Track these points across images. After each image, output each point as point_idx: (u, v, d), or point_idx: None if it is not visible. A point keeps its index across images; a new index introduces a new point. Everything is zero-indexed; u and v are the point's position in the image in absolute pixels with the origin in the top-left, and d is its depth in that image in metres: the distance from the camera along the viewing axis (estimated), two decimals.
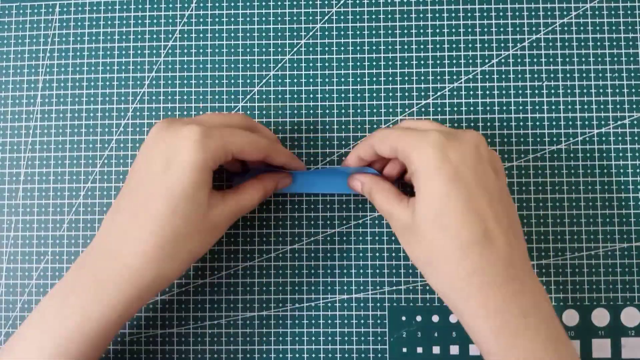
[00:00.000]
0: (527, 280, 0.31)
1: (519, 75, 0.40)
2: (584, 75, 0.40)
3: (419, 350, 0.39)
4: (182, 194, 0.30)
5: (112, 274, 0.31)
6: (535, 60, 0.40)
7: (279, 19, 0.41)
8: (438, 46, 0.41)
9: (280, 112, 0.41)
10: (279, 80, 0.41)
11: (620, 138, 0.40)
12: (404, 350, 0.39)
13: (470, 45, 0.41)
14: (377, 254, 0.39)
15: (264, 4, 0.41)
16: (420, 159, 0.31)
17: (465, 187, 0.30)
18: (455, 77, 0.40)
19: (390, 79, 0.41)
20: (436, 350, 0.39)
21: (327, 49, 0.41)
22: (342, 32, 0.41)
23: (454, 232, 0.30)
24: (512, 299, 0.30)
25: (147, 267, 0.31)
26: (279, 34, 0.41)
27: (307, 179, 0.39)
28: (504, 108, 0.40)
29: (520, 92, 0.40)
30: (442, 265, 0.31)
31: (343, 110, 0.40)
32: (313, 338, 0.39)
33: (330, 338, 0.39)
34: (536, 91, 0.40)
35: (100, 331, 0.31)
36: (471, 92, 0.40)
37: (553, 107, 0.40)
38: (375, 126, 0.40)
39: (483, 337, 0.30)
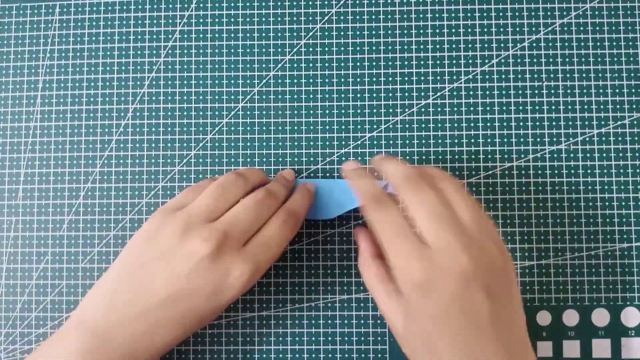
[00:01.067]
0: None
1: (519, 75, 0.40)
2: (584, 75, 0.40)
3: None
4: (212, 312, 0.32)
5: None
6: (535, 60, 0.40)
7: (279, 19, 0.41)
8: (438, 46, 0.41)
9: (280, 112, 0.41)
10: (279, 80, 0.41)
11: (620, 138, 0.40)
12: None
13: (470, 45, 0.41)
14: None
15: (264, 4, 0.41)
16: (406, 285, 0.30)
17: (450, 323, 0.28)
18: (455, 77, 0.40)
19: (390, 79, 0.41)
20: None
21: (327, 49, 0.41)
22: (342, 33, 0.41)
23: (445, 356, 0.28)
24: None
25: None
26: (279, 34, 0.41)
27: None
28: (504, 108, 0.40)
29: (520, 92, 0.40)
30: None
31: (343, 110, 0.40)
32: (313, 338, 0.39)
33: (330, 338, 0.39)
34: (536, 91, 0.40)
35: None
36: (471, 92, 0.40)
37: (553, 107, 0.40)
38: (375, 126, 0.40)
39: None
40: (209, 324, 0.39)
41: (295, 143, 0.40)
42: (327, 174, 0.40)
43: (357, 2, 0.41)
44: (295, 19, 0.41)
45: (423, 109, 0.40)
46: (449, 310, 0.28)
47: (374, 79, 0.41)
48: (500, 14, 0.41)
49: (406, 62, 0.41)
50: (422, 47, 0.41)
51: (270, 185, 0.35)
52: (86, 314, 0.31)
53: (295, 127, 0.40)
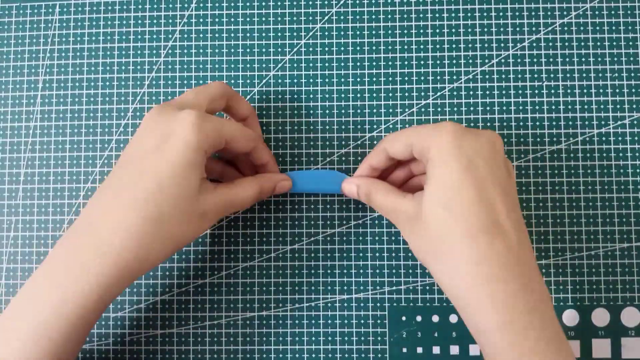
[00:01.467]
0: (533, 278, 0.30)
1: (519, 75, 0.40)
2: (584, 75, 0.40)
3: (419, 350, 0.39)
4: (172, 172, 0.30)
5: (92, 252, 0.30)
6: (535, 60, 0.40)
7: (279, 19, 0.41)
8: (438, 46, 0.41)
9: (280, 112, 0.41)
10: (279, 80, 0.41)
11: (620, 138, 0.40)
12: (404, 350, 0.39)
13: (470, 45, 0.41)
14: (377, 254, 0.39)
15: (264, 4, 0.41)
16: (436, 146, 0.31)
17: (478, 177, 0.30)
18: (455, 77, 0.40)
19: (390, 79, 0.41)
20: (436, 350, 0.39)
21: (327, 49, 0.41)
22: (342, 32, 0.41)
23: (463, 219, 0.30)
24: (518, 295, 0.29)
25: (128, 246, 0.30)
26: (279, 34, 0.41)
27: (303, 179, 0.38)
28: (504, 108, 0.40)
29: (520, 92, 0.40)
30: (448, 253, 0.30)
31: (343, 110, 0.40)
32: (313, 338, 0.39)
33: (330, 338, 0.39)
34: (536, 91, 0.40)
35: (80, 314, 0.30)
36: (471, 92, 0.40)
37: (553, 107, 0.40)
38: (375, 126, 0.40)
39: (486, 333, 0.30)
40: (209, 324, 0.39)
41: (295, 143, 0.40)
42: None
43: (357, 2, 0.41)
44: (295, 18, 0.41)
45: (423, 109, 0.40)
46: (478, 165, 0.30)
47: (374, 79, 0.41)
48: (500, 13, 0.41)
49: (406, 62, 0.41)
50: (422, 47, 0.41)
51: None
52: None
53: (295, 127, 0.40)
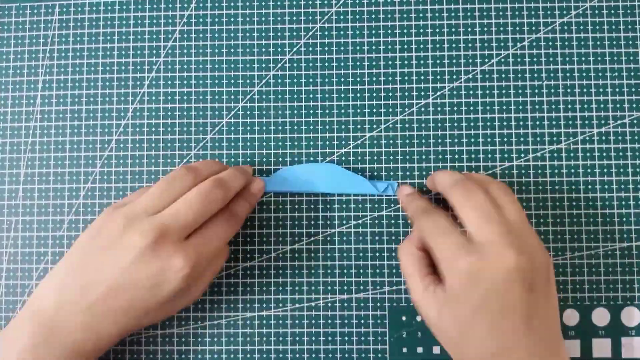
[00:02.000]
0: None
1: (519, 75, 0.40)
2: (584, 74, 0.40)
3: (419, 350, 0.39)
4: (156, 305, 0.32)
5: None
6: (535, 59, 0.40)
7: (279, 19, 0.41)
8: (438, 46, 0.41)
9: (280, 112, 0.41)
10: (279, 80, 0.41)
11: (620, 138, 0.40)
12: (404, 350, 0.39)
13: (470, 45, 0.41)
14: (377, 254, 0.39)
15: (263, 4, 0.41)
16: (451, 273, 0.31)
17: (489, 314, 0.30)
18: (455, 77, 0.40)
19: (390, 79, 0.41)
20: (436, 350, 0.39)
21: (327, 49, 0.41)
22: (342, 32, 0.41)
23: (471, 341, 0.31)
24: None
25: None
26: (279, 34, 0.41)
27: (293, 175, 0.39)
28: (504, 108, 0.40)
29: (520, 91, 0.40)
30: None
31: (343, 110, 0.40)
32: (313, 338, 0.39)
33: (330, 338, 0.39)
34: (536, 91, 0.40)
35: None
36: (471, 92, 0.40)
37: (553, 106, 0.40)
38: (375, 126, 0.40)
39: None
40: (209, 324, 0.39)
41: (295, 143, 0.40)
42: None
43: (357, 1, 0.41)
44: (295, 18, 0.41)
45: (423, 109, 0.40)
46: (490, 300, 0.30)
47: (374, 79, 0.41)
48: (500, 13, 0.41)
49: (406, 62, 0.41)
50: (422, 46, 0.41)
51: (221, 175, 0.35)
52: (39, 302, 0.32)
53: (295, 127, 0.40)
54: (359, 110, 0.40)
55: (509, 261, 0.30)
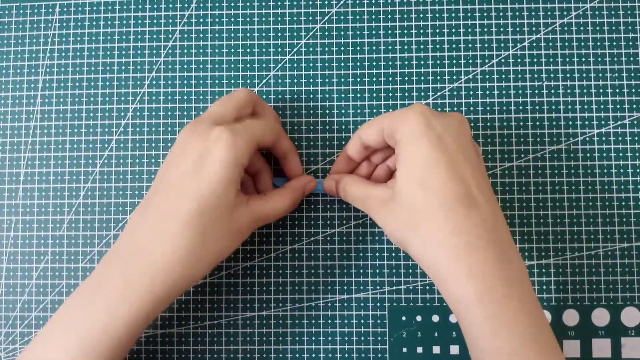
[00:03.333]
0: (510, 249, 0.31)
1: (519, 75, 0.40)
2: (584, 75, 0.40)
3: (419, 350, 0.39)
4: (211, 194, 0.31)
5: (140, 271, 0.31)
6: (535, 60, 0.40)
7: (279, 19, 0.41)
8: (438, 46, 0.41)
9: (280, 112, 0.41)
10: (279, 80, 0.41)
11: (620, 138, 0.40)
12: (404, 350, 0.39)
13: (470, 45, 0.41)
14: (377, 254, 0.39)
15: (264, 4, 0.41)
16: (405, 126, 0.31)
17: (448, 152, 0.31)
18: (455, 77, 0.40)
19: (390, 79, 0.41)
20: (436, 350, 0.39)
21: (327, 49, 0.41)
22: (342, 32, 0.41)
23: (438, 192, 0.30)
24: (496, 264, 0.29)
25: (176, 265, 0.31)
26: (279, 34, 0.41)
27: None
28: (504, 108, 0.40)
29: (520, 92, 0.40)
30: (425, 227, 0.30)
31: (343, 110, 0.40)
32: (313, 338, 0.39)
33: (330, 338, 0.39)
34: (536, 91, 0.40)
35: (128, 330, 0.30)
36: (471, 92, 0.40)
37: (553, 107, 0.40)
38: None
39: (466, 304, 0.29)
40: (209, 324, 0.39)
41: (296, 143, 0.40)
42: (327, 174, 0.40)
43: (357, 2, 0.41)
44: (295, 18, 0.41)
45: None
46: (449, 141, 0.31)
47: (374, 79, 0.41)
48: (500, 13, 0.41)
49: (406, 62, 0.41)
50: (422, 47, 0.41)
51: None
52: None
53: (296, 127, 0.40)
54: (359, 110, 0.40)
55: (459, 116, 0.33)
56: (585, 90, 0.40)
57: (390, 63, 0.41)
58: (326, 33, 0.41)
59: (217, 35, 0.41)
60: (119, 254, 0.32)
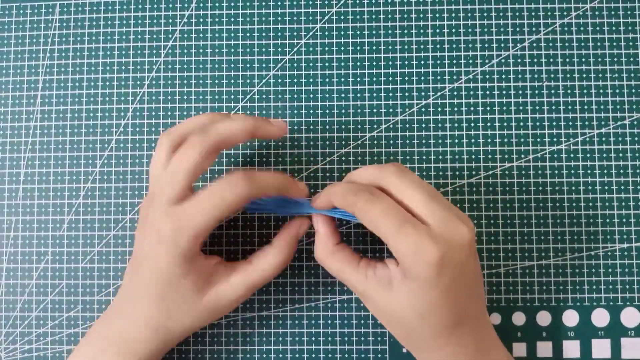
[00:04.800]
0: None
1: (519, 75, 0.40)
2: (584, 75, 0.40)
3: None
4: (167, 283, 0.32)
5: (114, 345, 0.33)
6: (535, 60, 0.40)
7: (279, 19, 0.41)
8: (438, 46, 0.41)
9: (280, 112, 0.41)
10: (279, 80, 0.41)
11: (620, 138, 0.40)
12: (404, 350, 0.39)
13: (470, 45, 0.41)
14: (377, 254, 0.39)
15: (264, 4, 0.41)
16: (417, 269, 0.29)
17: (449, 295, 0.30)
18: (455, 77, 0.40)
19: (390, 79, 0.41)
20: None
21: (327, 49, 0.41)
22: (342, 32, 0.41)
23: (432, 321, 0.31)
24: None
25: (144, 338, 0.33)
26: (279, 34, 0.41)
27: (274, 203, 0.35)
28: (504, 108, 0.40)
29: (520, 92, 0.40)
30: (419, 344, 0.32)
31: (343, 110, 0.40)
32: (313, 338, 0.39)
33: (330, 338, 0.39)
34: (536, 91, 0.40)
35: None
36: (471, 92, 0.40)
37: (553, 107, 0.40)
38: (375, 126, 0.40)
39: None
40: (209, 324, 0.39)
41: (295, 143, 0.40)
42: (327, 174, 0.40)
43: (357, 1, 0.41)
44: (295, 18, 0.41)
45: (423, 109, 0.40)
46: (457, 279, 0.30)
47: (374, 79, 0.41)
48: (501, 14, 0.41)
49: (406, 62, 0.41)
50: (422, 47, 0.41)
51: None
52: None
53: (295, 127, 0.40)
54: (359, 110, 0.40)
55: (465, 237, 0.30)
56: (585, 91, 0.40)
57: (390, 63, 0.41)
58: (326, 33, 0.41)
59: (217, 35, 0.41)
60: (97, 327, 0.35)
